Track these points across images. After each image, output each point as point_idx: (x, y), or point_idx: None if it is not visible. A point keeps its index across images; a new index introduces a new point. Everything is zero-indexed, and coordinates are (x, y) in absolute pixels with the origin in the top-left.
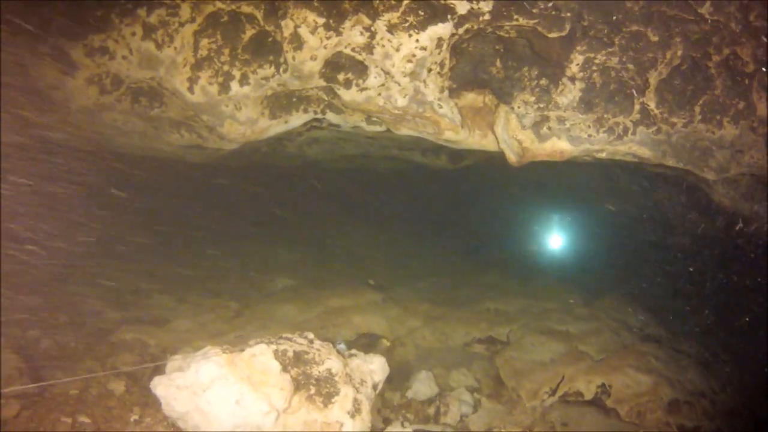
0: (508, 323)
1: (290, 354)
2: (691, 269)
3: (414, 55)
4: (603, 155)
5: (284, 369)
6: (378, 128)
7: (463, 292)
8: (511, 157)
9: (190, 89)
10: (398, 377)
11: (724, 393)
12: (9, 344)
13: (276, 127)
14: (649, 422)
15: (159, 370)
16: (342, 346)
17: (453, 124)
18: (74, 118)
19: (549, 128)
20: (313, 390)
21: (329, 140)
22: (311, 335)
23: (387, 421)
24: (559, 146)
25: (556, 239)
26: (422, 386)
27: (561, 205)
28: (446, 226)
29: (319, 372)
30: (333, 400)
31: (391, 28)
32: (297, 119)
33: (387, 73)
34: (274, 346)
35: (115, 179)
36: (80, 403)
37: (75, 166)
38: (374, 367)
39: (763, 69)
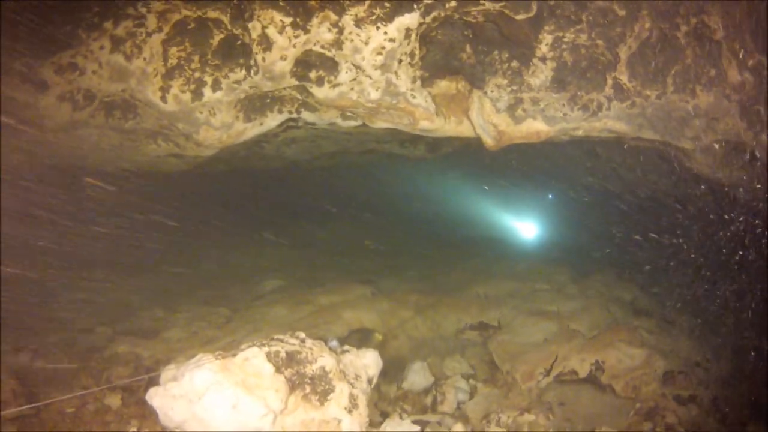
0: (498, 307)
1: (283, 355)
2: (677, 241)
3: (383, 48)
4: (580, 133)
5: (278, 370)
6: (354, 123)
7: (452, 278)
8: (488, 142)
9: (163, 99)
10: (393, 370)
11: (717, 361)
12: (2, 367)
13: (252, 130)
14: (645, 395)
15: (154, 381)
16: (334, 343)
17: (428, 113)
18: (51, 137)
19: (524, 110)
20: (308, 389)
21: (307, 139)
22: (302, 335)
23: (385, 415)
24: (535, 127)
25: (541, 221)
26: (417, 377)
27: (544, 186)
28: (430, 214)
29: (312, 370)
30: (329, 398)
31: (359, 22)
32: (272, 120)
33: (358, 67)
34: (266, 349)
35: (94, 195)
36: (77, 420)
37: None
38: (368, 362)
39: (732, 35)
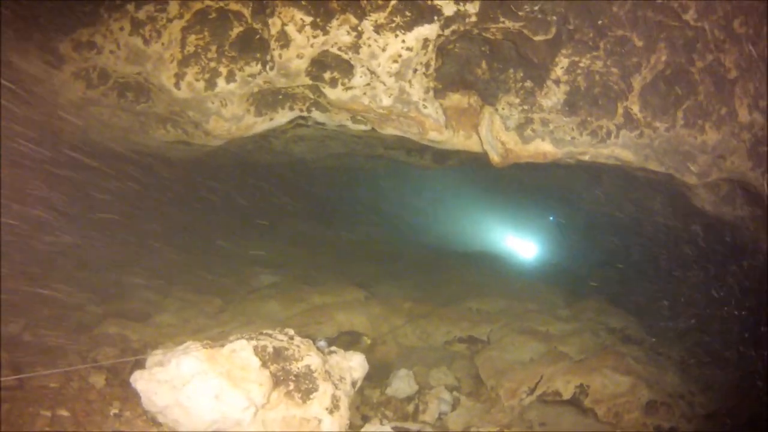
0: (489, 323)
1: (270, 350)
2: (675, 274)
3: (400, 56)
4: (586, 158)
5: (264, 365)
6: (363, 127)
7: (447, 290)
8: (495, 158)
9: (177, 85)
10: (379, 375)
11: (702, 395)
12: None
13: (261, 125)
14: (626, 423)
15: (140, 365)
16: (322, 343)
17: (437, 124)
18: (61, 112)
19: (533, 130)
20: (292, 386)
21: (315, 138)
22: (292, 332)
23: (366, 418)
24: (542, 148)
25: (540, 241)
26: (402, 384)
27: (546, 206)
28: (431, 224)
29: (298, 368)
30: (312, 396)
31: (378, 28)
32: (282, 117)
33: (373, 72)
34: (254, 342)
35: (98, 175)
36: (60, 397)
37: (60, 160)
38: (353, 364)
39: (745, 75)
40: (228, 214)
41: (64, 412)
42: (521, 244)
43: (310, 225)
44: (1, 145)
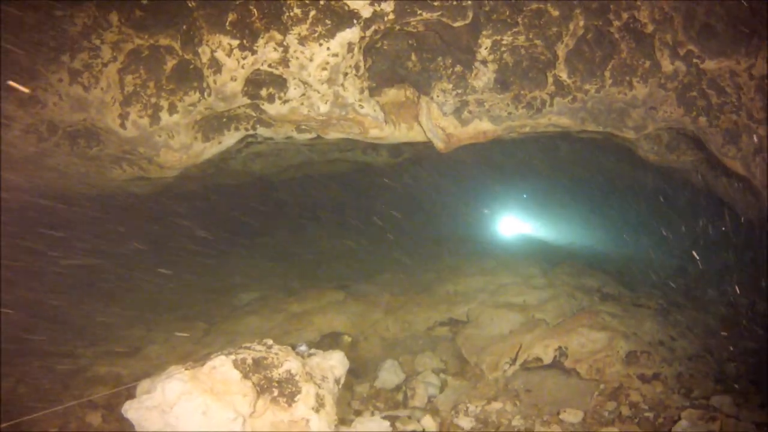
0: (467, 302)
1: (249, 361)
2: (646, 227)
3: (327, 63)
4: (527, 129)
5: (245, 376)
6: (309, 135)
7: (422, 278)
8: (439, 145)
9: (122, 125)
10: (366, 370)
11: (683, 339)
12: None
13: (211, 149)
14: (609, 376)
15: (131, 395)
16: (303, 348)
17: (376, 121)
18: (20, 167)
19: (469, 112)
20: (276, 392)
21: (270, 153)
22: (270, 341)
23: (358, 413)
24: (481, 127)
25: (507, 216)
26: (389, 375)
27: (508, 182)
28: (399, 217)
29: (279, 374)
30: (296, 399)
31: (302, 40)
32: (230, 138)
33: (305, 83)
34: (233, 357)
35: (66, 220)
36: None
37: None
38: (334, 363)
39: (662, 28)
40: (200, 238)
41: None
42: (492, 223)
43: (283, 238)
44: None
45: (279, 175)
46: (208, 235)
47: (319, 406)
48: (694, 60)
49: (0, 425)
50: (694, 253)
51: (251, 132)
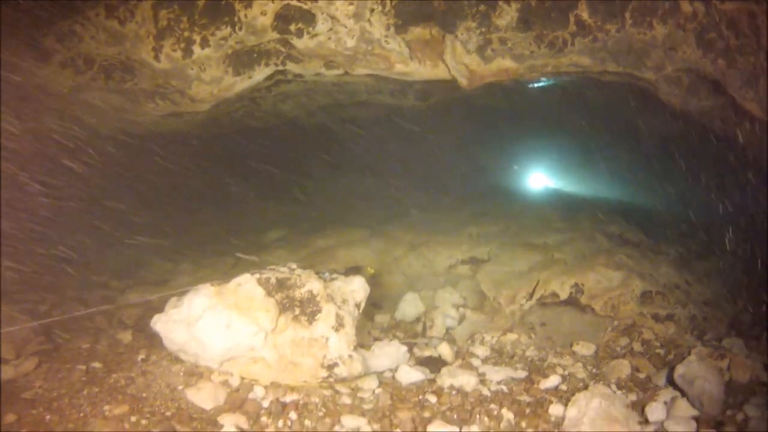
0: (489, 243)
1: (273, 281)
2: (667, 174)
3: None
4: (549, 69)
5: (268, 294)
6: (337, 71)
7: (447, 222)
8: (462, 81)
9: (156, 58)
10: (388, 304)
11: (699, 284)
12: (24, 313)
13: (242, 83)
14: (623, 314)
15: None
16: (325, 275)
17: (402, 57)
18: (53, 103)
19: (492, 50)
20: (297, 311)
21: (300, 93)
22: (294, 265)
23: (377, 340)
24: (504, 65)
25: (532, 164)
26: (409, 307)
27: (534, 132)
28: (425, 164)
29: (301, 294)
30: (317, 318)
31: None
32: (260, 73)
33: (333, 17)
34: (257, 275)
35: (101, 158)
36: (92, 353)
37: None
38: (355, 287)
39: None
40: (231, 180)
41: (97, 364)
42: (517, 172)
43: (311, 181)
44: (1, 144)
45: (308, 118)
46: (236, 177)
47: (339, 326)
48: (713, 1)
49: (40, 344)
50: (716, 204)
51: (280, 68)
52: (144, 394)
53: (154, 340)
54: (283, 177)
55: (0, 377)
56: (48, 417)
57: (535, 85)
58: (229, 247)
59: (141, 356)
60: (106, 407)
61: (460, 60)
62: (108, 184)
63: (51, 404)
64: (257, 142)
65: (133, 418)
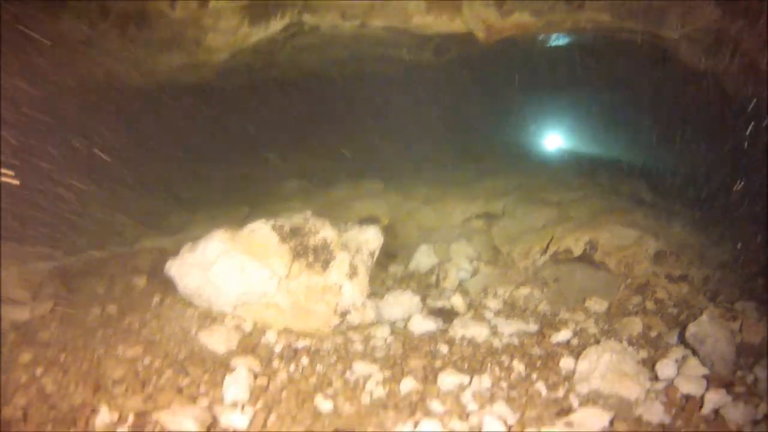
0: (504, 198)
1: (287, 228)
2: (682, 137)
3: None
4: (567, 25)
5: (282, 240)
6: (354, 22)
7: (463, 176)
8: (479, 35)
9: (172, 7)
10: (402, 255)
11: (715, 247)
12: (40, 258)
13: (258, 34)
14: (637, 272)
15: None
16: (340, 224)
17: (419, 8)
18: (69, 55)
19: (511, 4)
20: (311, 258)
21: (317, 46)
22: (308, 213)
23: (390, 290)
24: (522, 20)
25: (547, 123)
26: (423, 258)
27: (549, 90)
28: (442, 120)
29: (315, 241)
30: (330, 265)
31: None
32: (276, 24)
33: None
34: (271, 222)
35: (118, 110)
36: (107, 297)
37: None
38: (369, 236)
39: None
40: (247, 133)
41: (112, 308)
42: (534, 130)
43: (327, 135)
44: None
45: (325, 71)
46: (253, 130)
47: (352, 274)
48: None
49: (55, 288)
50: (733, 168)
51: (297, 19)
52: (157, 337)
53: (168, 285)
54: (299, 129)
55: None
56: (63, 357)
57: (552, 44)
58: (243, 198)
59: (155, 300)
60: (120, 348)
61: (478, 14)
62: (125, 135)
63: (66, 345)
64: (274, 95)
65: (147, 360)
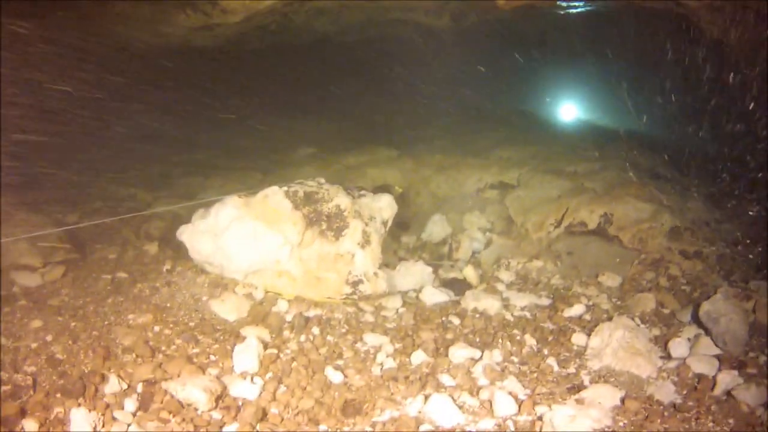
0: (519, 167)
1: (300, 194)
2: (702, 110)
3: None
4: None
5: (295, 207)
6: None
7: (477, 144)
8: (500, 1)
9: None
10: (415, 224)
11: (730, 224)
12: (53, 224)
13: None
14: (651, 247)
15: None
16: (354, 191)
17: None
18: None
19: None
20: (324, 225)
21: (333, 10)
22: (322, 179)
23: (403, 260)
24: None
25: (564, 92)
26: (436, 227)
27: (568, 59)
28: (458, 87)
29: (328, 209)
30: (343, 233)
31: None
32: None
33: None
34: (285, 188)
35: (133, 70)
36: (118, 263)
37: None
38: (382, 204)
39: None
40: (261, 97)
41: (123, 274)
42: (551, 100)
43: (342, 101)
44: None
45: (340, 36)
46: (267, 94)
47: (365, 243)
48: None
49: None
50: (753, 145)
51: None
52: (168, 304)
53: (179, 252)
54: (314, 94)
55: None
56: (73, 324)
57: (572, 11)
58: (257, 164)
59: (166, 267)
60: (131, 316)
61: None
62: (139, 97)
63: (76, 312)
64: (289, 59)
65: (157, 328)
